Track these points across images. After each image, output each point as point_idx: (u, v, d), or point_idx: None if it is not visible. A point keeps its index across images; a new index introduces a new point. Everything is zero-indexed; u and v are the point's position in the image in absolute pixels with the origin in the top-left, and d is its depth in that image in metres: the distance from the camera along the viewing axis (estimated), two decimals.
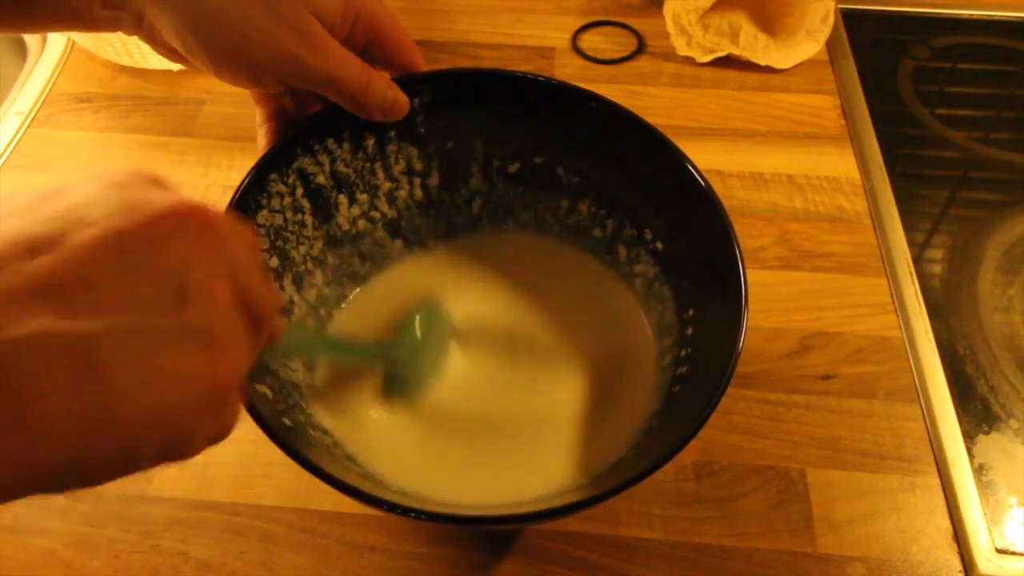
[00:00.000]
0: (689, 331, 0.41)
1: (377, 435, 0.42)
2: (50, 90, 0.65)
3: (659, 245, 0.44)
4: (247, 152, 0.60)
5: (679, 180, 0.40)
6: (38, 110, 0.64)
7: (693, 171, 0.40)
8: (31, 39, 0.70)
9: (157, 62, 0.64)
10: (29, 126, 0.63)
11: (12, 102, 0.64)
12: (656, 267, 0.44)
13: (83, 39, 0.65)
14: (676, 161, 0.40)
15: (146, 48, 0.62)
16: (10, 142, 0.61)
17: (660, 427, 0.39)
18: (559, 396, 0.44)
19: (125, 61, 0.65)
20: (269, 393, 0.36)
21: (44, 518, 0.43)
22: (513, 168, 0.46)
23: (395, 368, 0.43)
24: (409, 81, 0.41)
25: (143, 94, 0.65)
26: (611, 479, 0.37)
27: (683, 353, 0.40)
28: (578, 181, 0.46)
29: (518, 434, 0.42)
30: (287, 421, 0.36)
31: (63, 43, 0.69)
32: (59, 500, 0.43)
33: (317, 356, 0.43)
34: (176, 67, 0.65)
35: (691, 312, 0.41)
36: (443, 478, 0.40)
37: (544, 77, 0.43)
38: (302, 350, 0.42)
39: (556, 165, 0.46)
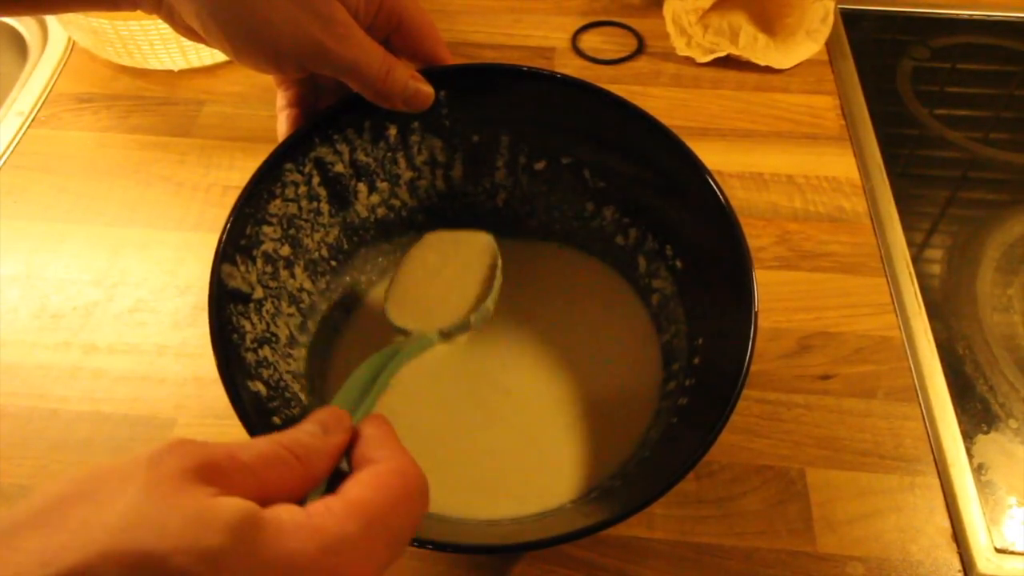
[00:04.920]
0: (696, 360, 0.40)
1: None
2: (51, 90, 0.66)
3: (679, 263, 0.43)
4: (248, 152, 0.61)
5: (702, 200, 0.39)
6: (39, 110, 0.64)
7: (719, 193, 0.39)
8: (32, 39, 0.70)
9: (157, 62, 0.65)
10: (30, 126, 0.63)
11: (13, 102, 0.64)
12: (674, 286, 0.44)
13: (84, 39, 0.65)
14: (701, 180, 0.39)
15: (147, 48, 0.63)
16: (11, 142, 0.61)
17: (654, 459, 0.38)
18: (557, 410, 0.43)
19: (126, 61, 0.65)
20: (263, 390, 0.36)
21: None
22: (539, 166, 0.46)
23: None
24: (435, 73, 0.41)
25: (143, 94, 0.65)
26: (606, 505, 0.37)
27: (688, 383, 0.40)
28: (604, 186, 0.45)
29: (514, 446, 0.42)
30: (277, 420, 0.36)
31: (64, 43, 0.69)
32: None
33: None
34: (176, 67, 0.65)
35: (701, 341, 0.41)
36: (438, 488, 0.40)
37: (575, 78, 0.42)
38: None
39: (583, 167, 0.45)
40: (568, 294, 0.48)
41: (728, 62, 0.67)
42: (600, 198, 0.46)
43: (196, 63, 0.65)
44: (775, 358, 0.49)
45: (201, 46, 0.62)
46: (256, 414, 0.34)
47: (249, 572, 0.20)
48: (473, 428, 0.43)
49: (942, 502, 0.44)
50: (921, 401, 0.47)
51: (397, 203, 0.47)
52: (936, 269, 0.55)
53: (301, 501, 0.24)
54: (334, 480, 0.25)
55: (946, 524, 0.43)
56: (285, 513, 0.21)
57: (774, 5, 0.68)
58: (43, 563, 0.18)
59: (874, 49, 0.71)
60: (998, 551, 0.42)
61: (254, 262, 0.39)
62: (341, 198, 0.44)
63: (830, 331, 0.51)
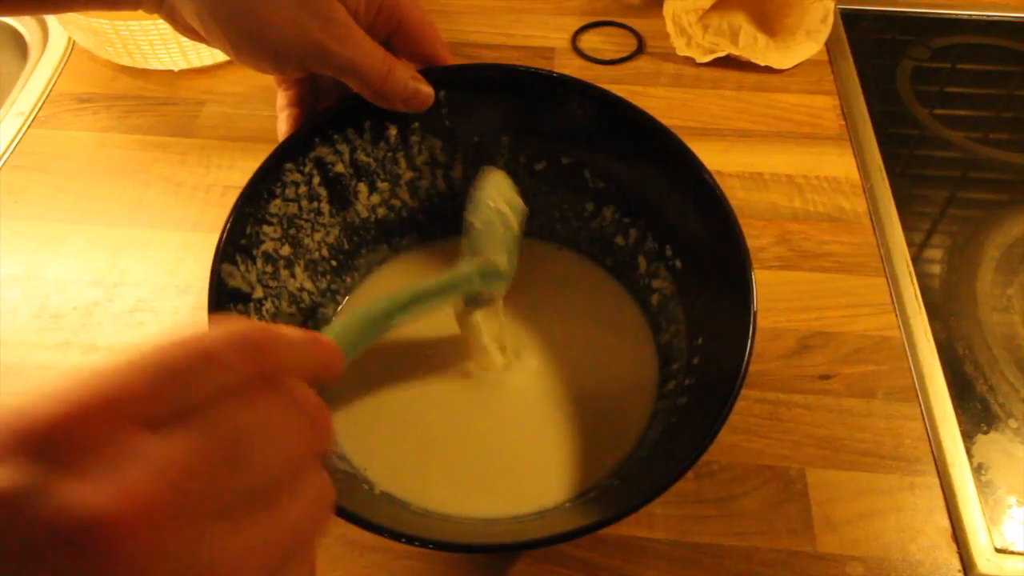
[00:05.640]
0: (696, 360, 0.40)
1: (371, 437, 0.42)
2: (51, 90, 0.66)
3: (679, 263, 0.43)
4: (248, 152, 0.61)
5: (702, 200, 0.40)
6: (39, 110, 0.64)
7: (718, 193, 0.39)
8: (32, 39, 0.70)
9: (158, 62, 0.65)
10: (30, 126, 0.63)
11: (13, 102, 0.64)
12: (674, 286, 0.44)
13: (84, 39, 0.65)
14: (701, 180, 0.39)
15: (147, 48, 0.63)
16: (11, 142, 0.61)
17: (653, 458, 0.38)
18: (554, 409, 0.43)
19: (126, 61, 0.65)
20: None
21: None
22: (539, 166, 0.46)
23: (479, 285, 0.40)
24: (435, 73, 0.41)
25: (144, 94, 0.65)
26: (605, 504, 0.37)
27: (687, 382, 0.40)
28: (604, 186, 0.45)
29: (511, 445, 0.42)
30: None
31: (64, 43, 0.69)
32: None
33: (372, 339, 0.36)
34: (177, 67, 0.65)
35: (700, 340, 0.41)
36: (436, 486, 0.40)
37: (575, 79, 0.42)
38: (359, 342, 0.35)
39: (583, 168, 0.45)
40: (565, 294, 0.48)
41: (728, 62, 0.67)
42: (600, 198, 0.46)
43: (196, 63, 0.65)
44: (775, 358, 0.49)
45: (201, 46, 0.62)
46: None
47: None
48: (470, 426, 0.43)
49: (942, 502, 0.44)
50: (921, 401, 0.47)
51: (398, 203, 0.47)
52: (936, 269, 0.55)
53: None
54: None
55: (946, 524, 0.43)
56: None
57: (774, 5, 0.68)
58: None
59: (874, 49, 0.71)
60: (998, 551, 0.42)
61: (254, 261, 0.39)
62: (341, 198, 0.44)
63: (830, 331, 0.51)
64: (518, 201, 0.41)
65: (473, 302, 0.41)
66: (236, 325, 0.20)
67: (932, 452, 0.45)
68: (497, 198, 0.41)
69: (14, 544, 0.15)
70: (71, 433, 0.16)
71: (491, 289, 0.41)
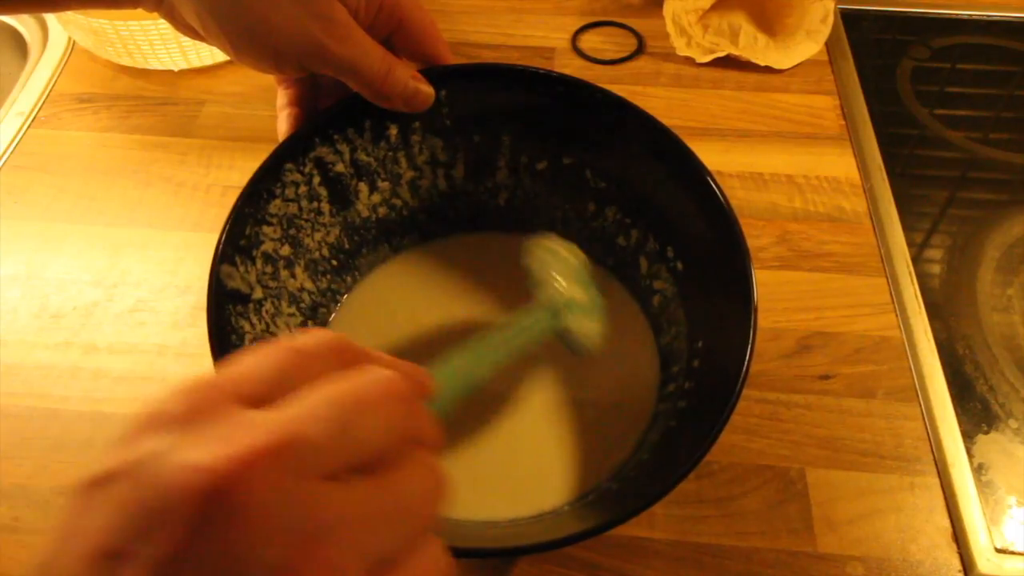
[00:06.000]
0: (696, 363, 0.40)
1: None
2: (51, 90, 0.65)
3: (679, 265, 0.43)
4: (248, 152, 0.61)
5: (702, 201, 0.39)
6: (39, 110, 0.64)
7: (719, 194, 0.39)
8: (32, 39, 0.70)
9: (158, 62, 0.65)
10: (30, 126, 0.63)
11: (13, 102, 0.64)
12: (675, 287, 0.44)
13: (84, 39, 0.65)
14: (701, 180, 0.39)
15: (147, 48, 0.63)
16: (11, 142, 0.61)
17: (653, 461, 0.38)
18: (553, 412, 0.43)
19: (126, 61, 0.65)
20: None
21: (44, 518, 0.43)
22: (541, 166, 0.46)
23: (568, 324, 0.40)
24: (436, 73, 0.41)
25: (144, 94, 0.65)
26: (605, 506, 0.37)
27: (687, 386, 0.40)
28: (605, 187, 0.45)
29: (510, 447, 0.42)
30: None
31: (64, 43, 0.69)
32: (59, 500, 0.44)
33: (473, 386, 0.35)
34: (177, 67, 0.65)
35: (700, 343, 0.40)
36: None
37: (575, 79, 0.42)
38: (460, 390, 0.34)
39: (584, 168, 0.45)
40: None
41: (728, 62, 0.67)
42: (601, 198, 0.46)
43: (196, 63, 0.65)
44: (775, 358, 0.49)
45: (201, 46, 0.62)
46: None
47: None
48: (469, 429, 0.43)
49: (942, 502, 0.44)
50: (921, 401, 0.47)
51: (398, 203, 0.47)
52: (936, 269, 0.55)
53: None
54: None
55: (946, 524, 0.43)
56: None
57: (774, 5, 0.68)
58: None
59: (874, 49, 0.71)
60: (998, 551, 0.42)
61: (254, 262, 0.39)
62: (342, 198, 0.44)
63: (830, 331, 0.51)
64: (571, 244, 0.42)
65: (570, 345, 0.41)
66: (323, 332, 0.23)
67: (932, 452, 0.45)
68: (545, 241, 0.42)
69: (146, 505, 0.17)
70: (186, 412, 0.19)
71: (580, 326, 0.40)
